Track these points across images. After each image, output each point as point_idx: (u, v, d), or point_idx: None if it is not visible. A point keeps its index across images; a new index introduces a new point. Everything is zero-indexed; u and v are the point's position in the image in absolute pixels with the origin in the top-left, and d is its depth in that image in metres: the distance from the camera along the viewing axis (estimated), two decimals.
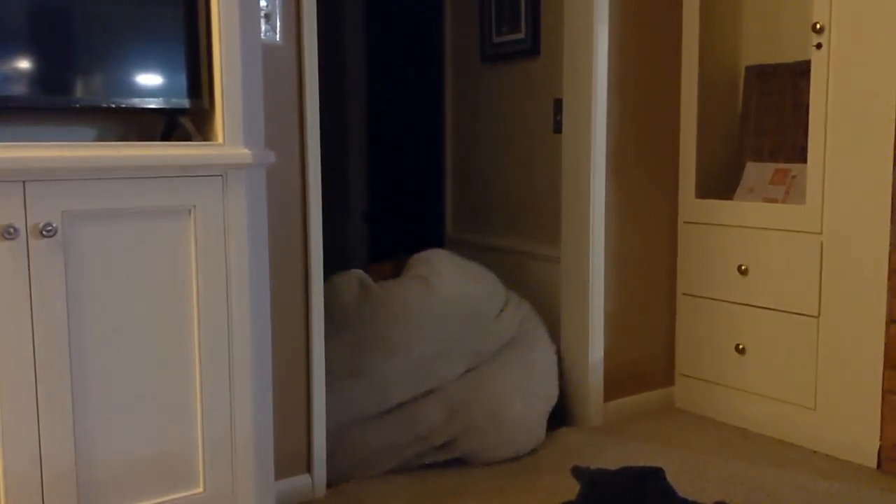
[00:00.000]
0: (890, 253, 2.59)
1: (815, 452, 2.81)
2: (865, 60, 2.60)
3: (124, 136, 1.99)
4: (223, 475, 1.88)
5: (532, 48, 3.44)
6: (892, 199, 2.57)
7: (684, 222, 3.22)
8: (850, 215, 2.68)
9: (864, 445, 2.69)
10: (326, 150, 3.41)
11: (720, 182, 3.25)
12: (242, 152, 1.82)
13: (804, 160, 2.95)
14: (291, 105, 2.30)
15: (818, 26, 2.69)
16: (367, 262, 4.27)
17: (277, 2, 2.21)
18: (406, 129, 4.20)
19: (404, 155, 4.23)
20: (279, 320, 2.34)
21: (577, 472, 1.82)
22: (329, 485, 2.53)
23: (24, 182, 1.60)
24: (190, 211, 1.79)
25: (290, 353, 2.39)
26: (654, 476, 1.76)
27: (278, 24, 2.25)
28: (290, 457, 2.41)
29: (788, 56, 3.09)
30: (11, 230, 1.58)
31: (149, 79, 1.81)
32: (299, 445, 2.44)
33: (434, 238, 4.06)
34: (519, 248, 3.51)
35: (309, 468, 2.46)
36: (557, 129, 3.31)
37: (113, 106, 1.78)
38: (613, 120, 3.02)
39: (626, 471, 1.80)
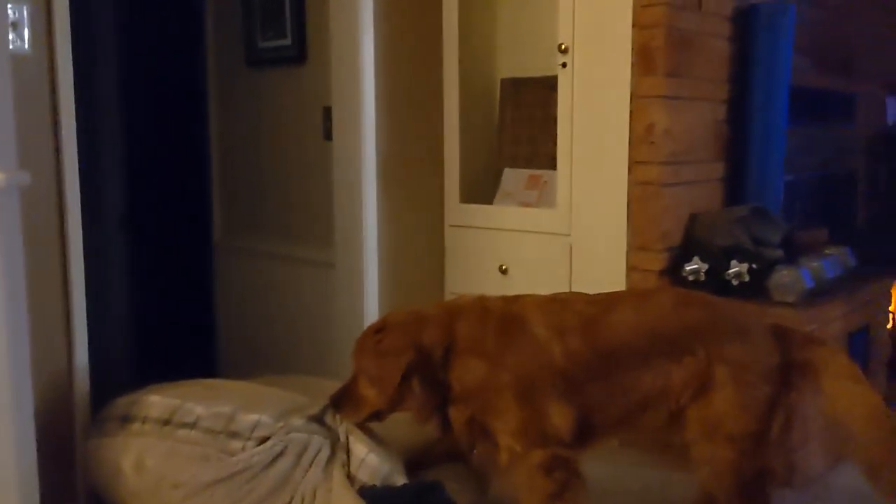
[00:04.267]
0: (627, 252, 2.91)
1: None
2: (603, 78, 2.89)
3: None
4: None
5: (298, 55, 3.44)
6: (628, 202, 2.89)
7: (450, 225, 3.39)
8: (593, 218, 2.96)
9: None
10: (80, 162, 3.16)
11: (483, 187, 3.45)
12: None
13: (555, 167, 3.22)
14: (44, 120, 2.15)
15: (563, 47, 2.95)
16: (125, 272, 4.03)
17: (25, 10, 2.05)
18: (168, 134, 4.03)
19: (167, 162, 4.06)
20: (36, 337, 2.17)
21: (364, 492, 1.88)
22: None
23: None
24: None
25: (50, 388, 2.23)
26: (433, 489, 1.86)
27: (27, 33, 2.08)
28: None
29: (540, 70, 3.33)
30: None
31: None
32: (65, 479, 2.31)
33: (200, 245, 3.95)
34: (292, 254, 3.52)
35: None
36: (328, 136, 3.35)
37: None
38: (382, 128, 3.11)
39: (407, 488, 1.89)
